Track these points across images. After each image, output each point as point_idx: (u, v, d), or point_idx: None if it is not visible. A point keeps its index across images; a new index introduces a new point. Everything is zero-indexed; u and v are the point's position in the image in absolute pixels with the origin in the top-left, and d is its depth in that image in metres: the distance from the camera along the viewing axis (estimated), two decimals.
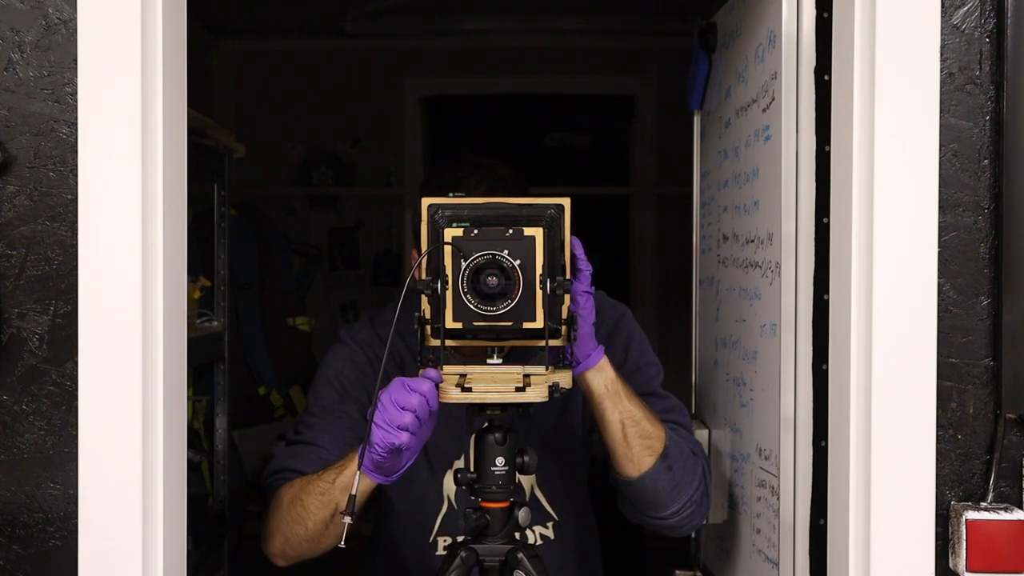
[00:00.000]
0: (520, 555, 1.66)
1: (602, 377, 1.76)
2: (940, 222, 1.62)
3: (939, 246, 1.62)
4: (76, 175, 1.56)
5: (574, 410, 2.03)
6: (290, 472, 1.89)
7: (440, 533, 2.01)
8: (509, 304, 1.54)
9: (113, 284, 1.55)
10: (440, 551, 2.00)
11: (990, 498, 1.64)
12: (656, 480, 1.84)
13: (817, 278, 1.79)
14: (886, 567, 1.62)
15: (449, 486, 2.00)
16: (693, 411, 2.46)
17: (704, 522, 2.16)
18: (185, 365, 1.69)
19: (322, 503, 1.77)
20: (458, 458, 2.00)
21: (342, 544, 1.63)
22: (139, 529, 1.56)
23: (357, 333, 2.04)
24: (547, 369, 1.62)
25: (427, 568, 1.99)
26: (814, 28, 1.79)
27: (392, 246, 4.77)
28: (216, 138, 2.92)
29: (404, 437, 1.60)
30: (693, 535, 2.43)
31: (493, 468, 1.66)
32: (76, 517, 1.57)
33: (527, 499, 2.01)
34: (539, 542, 2.00)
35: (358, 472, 1.63)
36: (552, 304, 1.57)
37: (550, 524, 2.03)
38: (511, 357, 1.68)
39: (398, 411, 1.59)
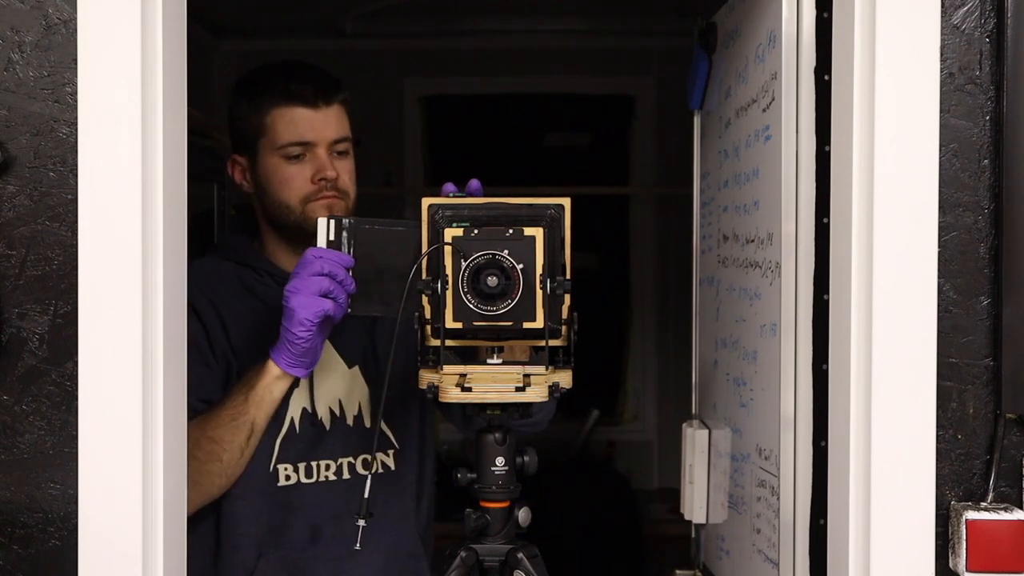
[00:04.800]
0: (520, 555, 1.66)
1: None
2: (940, 222, 1.62)
3: (939, 246, 1.62)
4: (76, 175, 1.56)
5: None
6: None
7: (281, 460, 1.96)
8: (509, 304, 1.54)
9: (113, 284, 1.55)
10: (282, 481, 1.95)
11: (990, 498, 1.64)
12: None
13: (817, 278, 1.79)
14: (886, 567, 1.62)
15: (295, 406, 1.95)
16: (693, 411, 2.46)
17: None
18: (185, 365, 1.69)
19: (236, 427, 1.82)
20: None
21: (357, 547, 1.62)
22: (139, 529, 1.56)
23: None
24: (547, 369, 1.62)
25: (271, 503, 1.95)
26: (814, 28, 1.79)
27: None
28: (216, 138, 2.92)
29: (328, 304, 1.71)
30: (693, 535, 2.43)
31: (493, 468, 1.66)
32: (76, 517, 1.57)
33: (369, 425, 2.01)
34: (380, 470, 2.00)
35: (368, 475, 1.63)
36: (552, 304, 1.57)
37: (391, 452, 2.03)
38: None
39: (314, 278, 1.70)
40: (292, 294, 1.73)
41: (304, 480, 1.97)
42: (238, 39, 4.45)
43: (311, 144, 1.94)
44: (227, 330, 1.96)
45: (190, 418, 1.81)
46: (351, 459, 1.99)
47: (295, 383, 1.87)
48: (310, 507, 1.97)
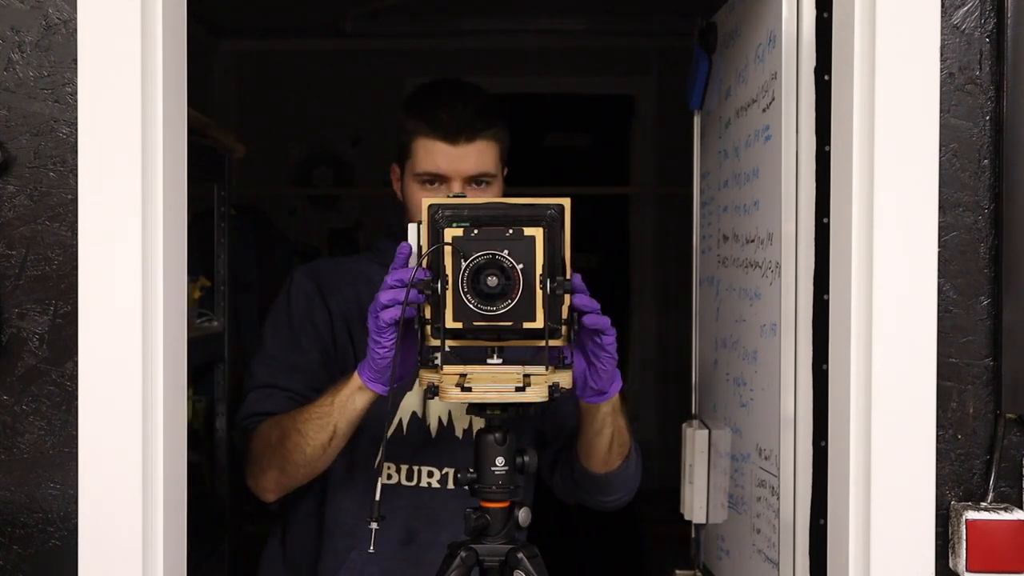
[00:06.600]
0: (520, 555, 1.66)
1: (611, 402, 1.81)
2: (940, 222, 1.62)
3: (939, 246, 1.62)
4: (76, 175, 1.56)
5: None
6: (265, 416, 1.94)
7: (386, 459, 1.98)
8: (509, 304, 1.54)
9: (113, 284, 1.55)
10: (384, 480, 1.97)
11: (990, 498, 1.64)
12: (616, 476, 1.97)
13: (817, 278, 1.79)
14: (886, 567, 1.62)
15: (406, 409, 1.97)
16: (693, 411, 2.46)
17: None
18: (185, 365, 1.69)
19: (320, 427, 1.82)
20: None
21: (371, 550, 1.63)
22: (139, 529, 1.56)
23: (307, 275, 2.08)
24: (547, 369, 1.62)
25: (371, 500, 1.96)
26: (814, 28, 1.79)
27: None
28: (216, 138, 2.92)
29: (394, 313, 1.63)
30: (693, 535, 2.43)
31: (493, 468, 1.66)
32: (76, 517, 1.57)
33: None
34: None
35: (379, 480, 1.63)
36: (552, 304, 1.57)
37: None
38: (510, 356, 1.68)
39: (378, 294, 1.66)
40: (368, 314, 1.71)
41: (405, 482, 1.98)
42: (238, 39, 4.45)
43: (445, 177, 1.98)
44: (351, 329, 2.00)
45: (296, 404, 1.91)
46: (456, 471, 1.98)
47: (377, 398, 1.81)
48: (407, 509, 1.98)
